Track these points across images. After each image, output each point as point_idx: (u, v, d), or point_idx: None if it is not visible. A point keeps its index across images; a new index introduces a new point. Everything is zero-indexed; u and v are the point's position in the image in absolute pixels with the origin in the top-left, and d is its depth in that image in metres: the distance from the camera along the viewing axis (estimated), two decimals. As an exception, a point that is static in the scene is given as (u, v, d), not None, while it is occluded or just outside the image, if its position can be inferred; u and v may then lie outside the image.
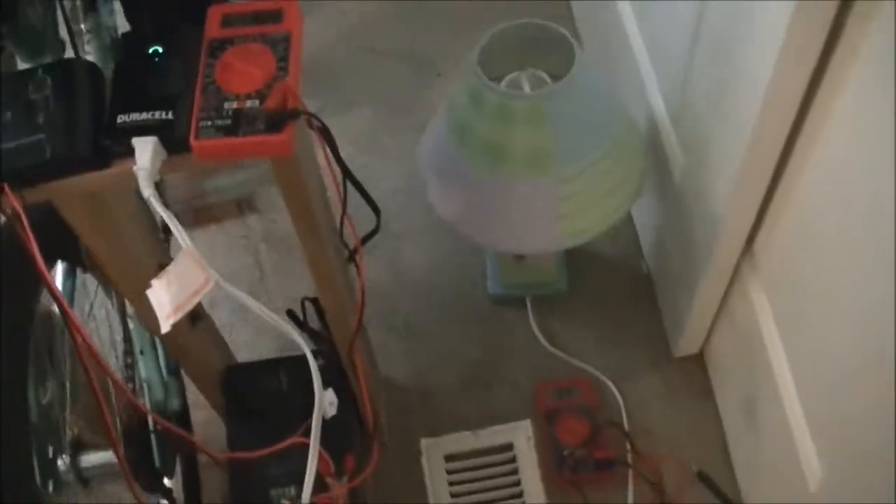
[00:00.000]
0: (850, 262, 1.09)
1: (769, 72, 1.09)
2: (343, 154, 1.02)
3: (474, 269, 1.83)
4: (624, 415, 1.66)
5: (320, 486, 1.33)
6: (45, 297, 1.21)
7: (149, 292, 0.90)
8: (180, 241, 0.89)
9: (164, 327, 0.89)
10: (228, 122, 0.90)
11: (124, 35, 0.99)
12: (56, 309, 1.21)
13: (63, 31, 1.33)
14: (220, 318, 1.67)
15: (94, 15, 1.38)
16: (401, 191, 1.93)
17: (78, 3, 1.39)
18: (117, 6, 1.41)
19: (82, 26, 1.37)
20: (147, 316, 1.18)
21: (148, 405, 1.32)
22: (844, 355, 1.13)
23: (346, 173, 1.05)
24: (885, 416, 1.02)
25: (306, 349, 0.96)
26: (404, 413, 1.71)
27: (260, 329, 1.80)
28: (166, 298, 0.88)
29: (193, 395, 1.50)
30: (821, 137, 1.11)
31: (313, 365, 0.95)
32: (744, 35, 1.14)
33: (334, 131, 1.00)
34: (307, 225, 1.06)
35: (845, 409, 1.15)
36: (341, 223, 1.12)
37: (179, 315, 0.88)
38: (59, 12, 1.31)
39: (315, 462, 1.04)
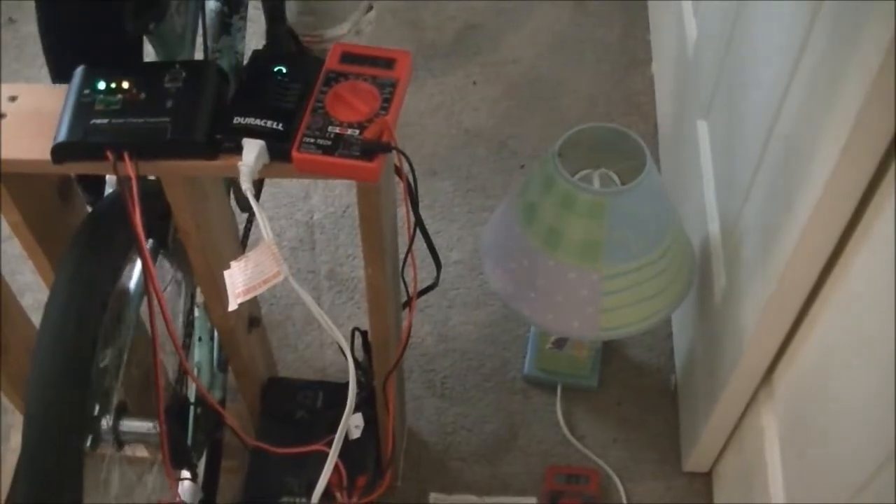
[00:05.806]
0: (859, 410, 1.11)
1: (809, 211, 1.14)
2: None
3: (516, 348, 1.92)
4: (625, 512, 1.74)
5: (329, 501, 1.42)
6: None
7: (226, 272, 1.01)
8: (263, 233, 1.01)
9: (232, 304, 1.00)
10: (329, 143, 1.01)
11: (255, 52, 1.12)
12: (130, 286, 1.34)
13: (199, 44, 1.48)
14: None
15: (226, 37, 1.53)
16: (462, 262, 2.03)
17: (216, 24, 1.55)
18: (248, 33, 1.56)
19: (215, 44, 1.52)
20: (212, 301, 1.30)
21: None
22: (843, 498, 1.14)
23: (418, 219, 1.17)
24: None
25: (343, 343, 1.07)
26: (420, 465, 1.78)
27: (305, 358, 1.92)
28: (240, 279, 0.99)
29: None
30: (844, 282, 1.16)
31: (351, 368, 1.05)
32: (795, 174, 1.20)
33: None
34: (374, 250, 1.17)
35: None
36: (405, 262, 1.24)
37: (248, 296, 0.99)
38: (199, 28, 1.46)
39: (332, 465, 1.14)
